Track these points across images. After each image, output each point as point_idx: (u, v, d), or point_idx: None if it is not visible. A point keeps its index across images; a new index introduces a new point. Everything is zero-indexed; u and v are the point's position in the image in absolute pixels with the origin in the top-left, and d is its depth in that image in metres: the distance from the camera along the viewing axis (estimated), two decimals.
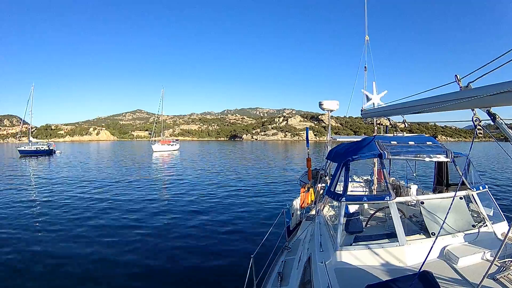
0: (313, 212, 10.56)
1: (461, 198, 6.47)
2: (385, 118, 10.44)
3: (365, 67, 15.46)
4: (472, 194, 6.62)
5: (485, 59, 4.35)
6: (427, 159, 6.94)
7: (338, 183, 6.96)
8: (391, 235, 5.91)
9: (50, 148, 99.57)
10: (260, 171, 46.75)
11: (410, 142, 7.24)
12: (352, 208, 8.56)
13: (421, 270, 3.81)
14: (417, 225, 6.67)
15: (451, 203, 5.26)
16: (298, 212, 12.22)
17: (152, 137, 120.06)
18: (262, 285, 7.53)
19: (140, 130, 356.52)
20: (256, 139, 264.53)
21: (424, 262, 4.30)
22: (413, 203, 8.15)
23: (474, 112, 4.78)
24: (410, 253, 5.46)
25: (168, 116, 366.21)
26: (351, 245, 5.79)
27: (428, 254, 4.55)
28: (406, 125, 8.64)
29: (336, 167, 7.42)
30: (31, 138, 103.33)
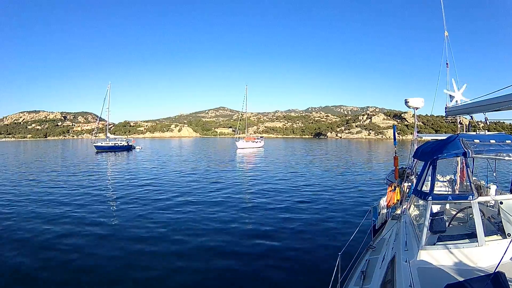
0: (399, 211, 10.45)
1: None
2: (466, 117, 10.12)
3: (446, 63, 14.90)
4: None
5: None
6: (507, 158, 6.72)
7: (425, 182, 6.89)
8: (472, 235, 5.83)
9: (129, 143, 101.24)
10: (346, 169, 46.19)
11: (491, 141, 6.98)
12: (435, 207, 8.42)
13: (495, 272, 3.75)
14: (494, 225, 6.45)
15: None
16: (384, 211, 12.11)
17: (237, 134, 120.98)
18: (345, 283, 7.58)
19: (224, 127, 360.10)
20: (340, 137, 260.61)
21: (499, 263, 4.21)
22: (491, 203, 7.89)
23: None
24: (488, 254, 5.36)
25: (252, 113, 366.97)
26: (434, 244, 5.77)
27: (504, 255, 4.45)
28: (488, 123, 8.35)
29: (423, 166, 7.35)
30: (108, 134, 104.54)
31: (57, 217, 19.49)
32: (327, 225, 17.64)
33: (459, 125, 14.03)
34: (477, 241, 5.53)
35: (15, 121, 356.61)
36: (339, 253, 7.35)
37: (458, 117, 13.53)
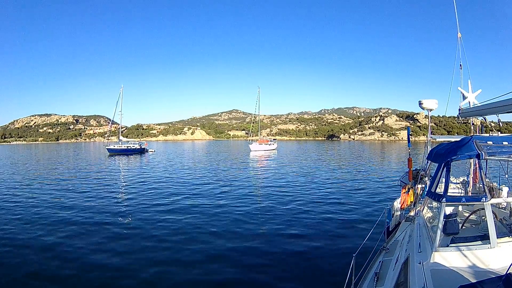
0: (412, 213, 10.41)
1: None
2: (478, 118, 10.04)
3: (460, 65, 14.79)
4: None
5: None
6: None
7: (439, 184, 6.87)
8: (484, 237, 5.81)
9: (142, 146, 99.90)
10: (360, 170, 46.00)
11: (504, 142, 6.94)
12: (448, 209, 8.39)
13: (506, 273, 3.73)
14: (506, 227, 6.43)
15: None
16: (398, 213, 12.06)
17: (250, 136, 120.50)
18: (359, 284, 7.56)
19: (237, 129, 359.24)
20: (353, 139, 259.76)
21: (510, 265, 4.19)
22: (503, 205, 7.86)
23: None
24: (501, 255, 5.35)
25: (265, 115, 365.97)
26: (447, 246, 5.75)
27: None
28: (501, 125, 8.30)
29: (437, 168, 7.33)
30: (121, 137, 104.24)
31: (72, 216, 19.73)
32: (341, 226, 17.58)
33: (472, 126, 13.93)
34: (490, 243, 5.53)
35: (26, 125, 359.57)
36: (354, 255, 7.33)
37: (470, 118, 13.46)
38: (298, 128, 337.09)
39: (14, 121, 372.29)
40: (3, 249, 14.61)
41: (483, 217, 6.61)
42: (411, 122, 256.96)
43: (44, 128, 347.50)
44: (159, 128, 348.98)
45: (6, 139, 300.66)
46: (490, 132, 8.06)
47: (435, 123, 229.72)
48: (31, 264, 12.96)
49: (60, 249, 14.65)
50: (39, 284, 11.49)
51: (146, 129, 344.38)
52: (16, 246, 15.06)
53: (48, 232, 17.03)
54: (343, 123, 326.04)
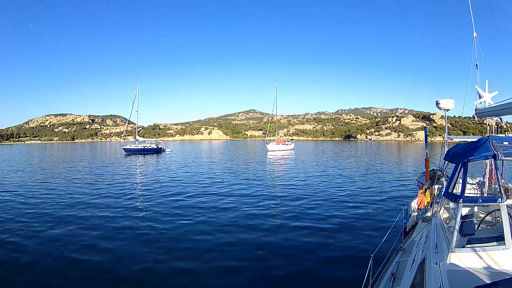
0: (429, 213, 10.34)
1: None
2: (494, 118, 9.94)
3: (476, 65, 14.64)
4: None
5: None
6: None
7: (456, 185, 6.83)
8: (499, 238, 5.76)
9: (159, 146, 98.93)
10: (377, 171, 45.69)
11: None
12: (464, 210, 8.32)
13: None
14: None
15: None
16: (415, 214, 11.98)
17: (267, 136, 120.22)
18: (375, 284, 7.55)
19: (254, 129, 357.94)
20: (370, 139, 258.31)
21: None
22: None
23: None
24: None
25: (282, 115, 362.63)
26: (464, 247, 5.71)
27: None
28: None
29: (454, 168, 7.25)
30: (137, 137, 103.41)
31: (88, 215, 19.92)
32: (359, 227, 17.44)
33: (488, 127, 13.78)
34: (505, 244, 5.48)
35: (41, 124, 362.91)
36: (371, 255, 7.33)
37: (486, 119, 13.31)
38: (315, 128, 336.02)
39: (28, 121, 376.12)
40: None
41: (498, 218, 6.55)
42: (427, 122, 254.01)
43: (60, 128, 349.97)
44: (176, 128, 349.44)
45: (20, 138, 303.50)
46: (506, 132, 7.98)
47: (451, 124, 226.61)
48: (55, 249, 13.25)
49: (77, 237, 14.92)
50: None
51: (163, 129, 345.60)
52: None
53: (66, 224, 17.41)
54: (360, 123, 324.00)
